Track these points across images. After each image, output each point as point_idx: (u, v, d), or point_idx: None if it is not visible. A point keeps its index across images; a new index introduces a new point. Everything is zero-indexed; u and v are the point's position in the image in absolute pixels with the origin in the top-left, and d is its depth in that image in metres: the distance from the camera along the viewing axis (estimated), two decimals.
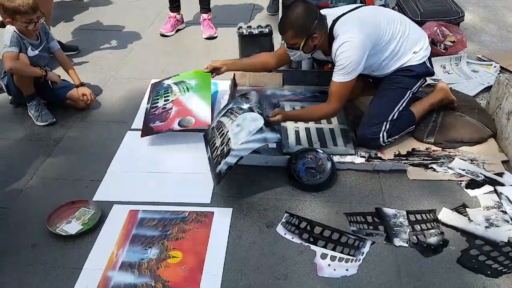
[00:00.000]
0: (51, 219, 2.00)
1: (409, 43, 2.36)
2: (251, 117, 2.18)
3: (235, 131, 2.15)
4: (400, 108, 2.38)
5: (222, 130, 2.26)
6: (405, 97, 2.39)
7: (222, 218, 2.04)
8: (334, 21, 2.28)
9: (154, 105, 2.68)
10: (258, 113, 2.21)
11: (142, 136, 2.52)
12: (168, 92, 2.70)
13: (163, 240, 1.94)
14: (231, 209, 2.08)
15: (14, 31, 2.50)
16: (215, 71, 2.64)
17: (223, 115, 2.36)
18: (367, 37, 2.23)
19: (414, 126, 2.47)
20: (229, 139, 2.14)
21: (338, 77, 2.24)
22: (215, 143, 2.27)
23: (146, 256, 1.87)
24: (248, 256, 1.87)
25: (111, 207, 2.10)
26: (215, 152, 2.23)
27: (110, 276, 1.79)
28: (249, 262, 1.84)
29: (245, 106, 2.29)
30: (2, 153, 2.49)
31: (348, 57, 2.19)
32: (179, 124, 2.49)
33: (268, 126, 2.13)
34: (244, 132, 2.11)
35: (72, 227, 1.99)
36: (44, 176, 2.32)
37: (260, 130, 2.09)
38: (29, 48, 2.57)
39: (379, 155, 2.37)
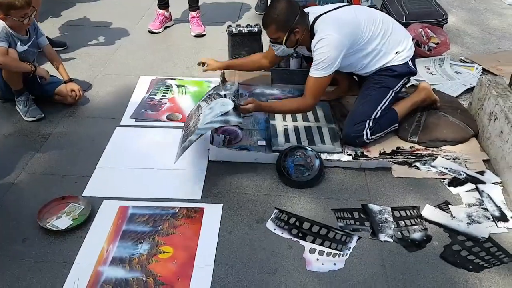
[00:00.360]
0: (41, 214, 2.01)
1: (392, 43, 2.41)
2: (222, 101, 2.26)
3: (206, 113, 2.23)
4: (383, 107, 2.43)
5: (198, 112, 2.33)
6: (388, 96, 2.44)
7: (213, 214, 2.06)
8: (316, 18, 2.33)
9: (151, 97, 2.95)
10: (231, 99, 2.27)
11: (131, 117, 2.71)
12: (168, 91, 3.00)
13: (154, 235, 1.96)
14: (221, 205, 2.11)
15: (4, 26, 2.47)
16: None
17: (203, 100, 2.43)
18: (344, 35, 2.27)
19: (397, 125, 2.51)
20: (199, 120, 2.22)
21: (314, 72, 2.29)
22: (189, 124, 2.34)
23: (137, 251, 1.89)
24: (238, 251, 1.90)
25: (101, 203, 2.11)
26: (186, 132, 2.31)
27: (101, 271, 1.80)
28: (240, 257, 1.87)
29: (222, 92, 2.37)
30: None
31: (324, 53, 2.24)
32: (167, 117, 2.76)
33: (235, 111, 2.19)
34: (212, 114, 2.19)
35: (62, 222, 2.00)
36: (33, 171, 2.31)
37: (226, 113, 2.17)
38: (18, 44, 2.55)
39: (365, 153, 2.42)
